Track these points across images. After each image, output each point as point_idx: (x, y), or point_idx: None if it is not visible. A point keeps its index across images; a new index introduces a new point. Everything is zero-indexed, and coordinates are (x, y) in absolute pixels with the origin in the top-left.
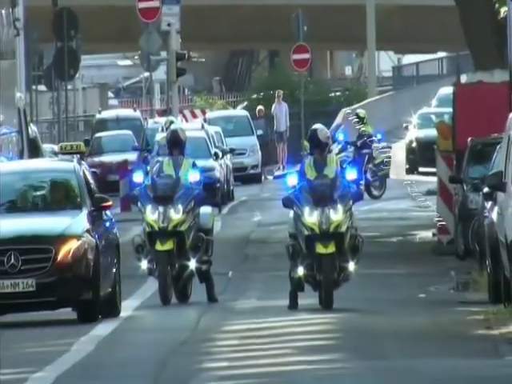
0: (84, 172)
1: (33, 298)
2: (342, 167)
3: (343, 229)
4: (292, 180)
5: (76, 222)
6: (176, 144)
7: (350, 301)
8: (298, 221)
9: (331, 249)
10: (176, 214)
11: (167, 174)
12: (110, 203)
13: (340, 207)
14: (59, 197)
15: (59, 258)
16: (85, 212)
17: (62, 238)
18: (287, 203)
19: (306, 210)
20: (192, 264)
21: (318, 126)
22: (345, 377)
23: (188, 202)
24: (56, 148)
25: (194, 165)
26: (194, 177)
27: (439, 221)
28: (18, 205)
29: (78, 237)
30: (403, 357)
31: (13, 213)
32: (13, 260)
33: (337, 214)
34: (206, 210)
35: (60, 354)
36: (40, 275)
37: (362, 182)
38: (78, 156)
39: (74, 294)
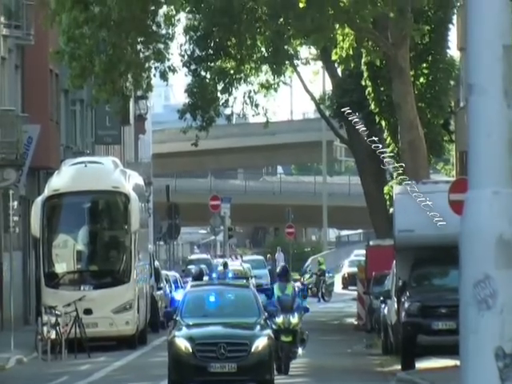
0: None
1: (234, 376)
2: (296, 291)
3: (297, 328)
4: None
5: (260, 325)
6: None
7: (313, 354)
8: (271, 320)
9: (289, 339)
10: None
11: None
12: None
13: (296, 315)
14: (243, 306)
15: (253, 349)
16: (262, 318)
17: (254, 337)
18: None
19: (278, 314)
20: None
21: (284, 264)
22: None
23: None
24: (169, 273)
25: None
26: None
27: (358, 313)
28: (216, 312)
29: (264, 336)
30: (340, 381)
31: (212, 317)
32: (222, 350)
33: (294, 319)
34: None
35: None
36: (240, 361)
37: (320, 294)
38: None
39: (262, 374)
